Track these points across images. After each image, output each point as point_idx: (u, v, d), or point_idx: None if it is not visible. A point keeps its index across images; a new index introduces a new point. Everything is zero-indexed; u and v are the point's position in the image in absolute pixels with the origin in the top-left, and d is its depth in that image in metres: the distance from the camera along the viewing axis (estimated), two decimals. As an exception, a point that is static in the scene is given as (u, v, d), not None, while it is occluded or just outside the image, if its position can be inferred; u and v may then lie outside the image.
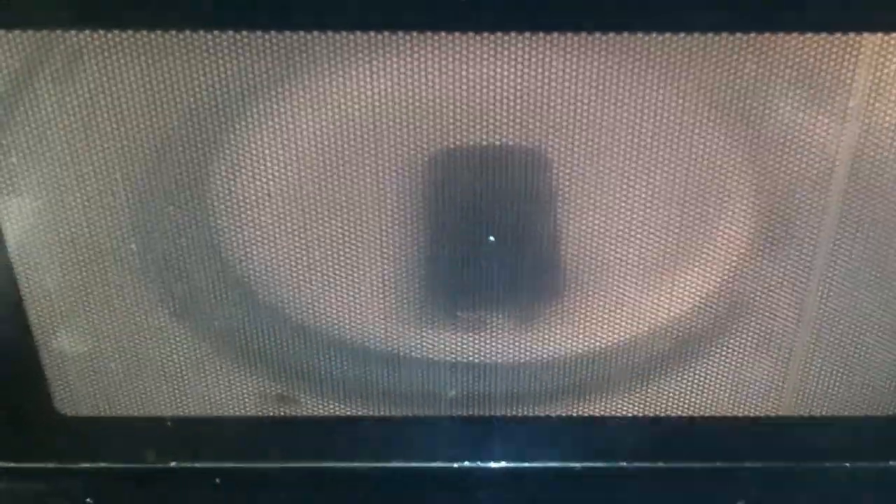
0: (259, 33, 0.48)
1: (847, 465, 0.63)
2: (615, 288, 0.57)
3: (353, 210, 0.54)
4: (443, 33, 0.48)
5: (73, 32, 0.48)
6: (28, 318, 0.57)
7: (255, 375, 0.61)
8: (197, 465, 0.64)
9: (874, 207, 0.53)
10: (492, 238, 0.55)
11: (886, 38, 0.47)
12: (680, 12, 0.46)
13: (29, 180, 0.53)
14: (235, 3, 0.47)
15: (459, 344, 0.59)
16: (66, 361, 0.59)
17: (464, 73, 0.49)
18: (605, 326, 0.59)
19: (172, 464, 0.63)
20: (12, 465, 0.63)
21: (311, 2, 0.46)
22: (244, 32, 0.48)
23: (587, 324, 0.59)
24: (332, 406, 0.62)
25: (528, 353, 0.60)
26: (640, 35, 0.48)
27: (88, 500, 0.64)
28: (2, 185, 0.53)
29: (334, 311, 0.58)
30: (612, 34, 0.47)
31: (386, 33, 0.47)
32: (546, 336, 0.59)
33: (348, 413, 0.62)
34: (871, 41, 0.48)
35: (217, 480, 0.64)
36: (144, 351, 0.60)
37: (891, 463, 0.63)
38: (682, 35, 0.47)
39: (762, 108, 0.50)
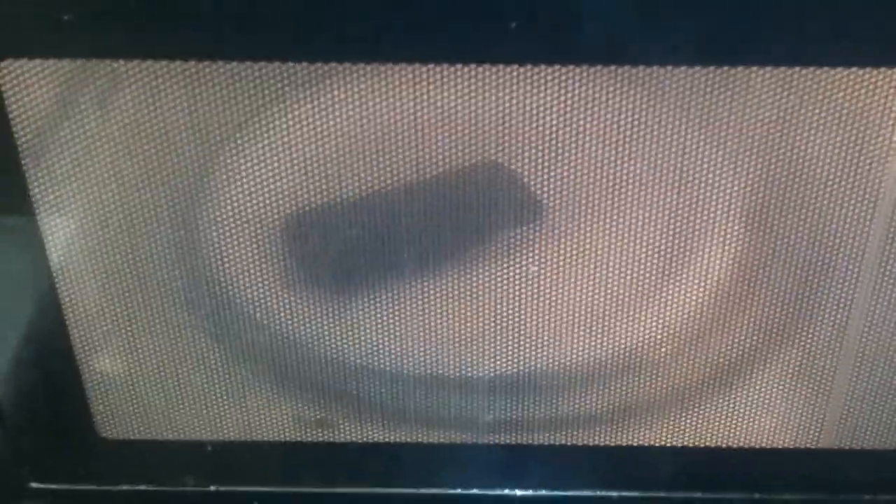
0: (291, 64, 0.48)
1: (888, 498, 0.63)
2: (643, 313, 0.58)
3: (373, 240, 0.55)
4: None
5: (111, 61, 0.49)
6: (71, 342, 0.57)
7: (294, 401, 0.62)
8: (236, 488, 0.64)
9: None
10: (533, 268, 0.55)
11: (933, 73, 0.47)
12: (721, 47, 0.46)
13: (73, 204, 0.53)
14: (258, 36, 0.47)
15: (496, 368, 0.60)
16: (107, 385, 0.60)
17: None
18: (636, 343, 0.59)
19: (211, 487, 0.64)
20: (54, 486, 0.64)
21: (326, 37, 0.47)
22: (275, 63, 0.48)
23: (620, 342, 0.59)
24: (369, 431, 0.62)
25: (562, 375, 0.60)
26: (682, 69, 0.48)
27: (127, 522, 0.65)
28: (47, 209, 0.53)
29: (368, 338, 0.59)
30: (650, 68, 0.48)
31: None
32: (581, 355, 0.59)
33: (386, 439, 0.62)
34: (918, 77, 0.48)
35: (255, 504, 0.64)
36: (184, 375, 0.60)
37: (932, 497, 0.63)
38: (724, 68, 0.47)
39: (806, 142, 0.50)
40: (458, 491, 0.64)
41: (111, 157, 0.52)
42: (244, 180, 0.53)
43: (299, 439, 0.62)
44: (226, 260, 0.56)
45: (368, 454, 0.63)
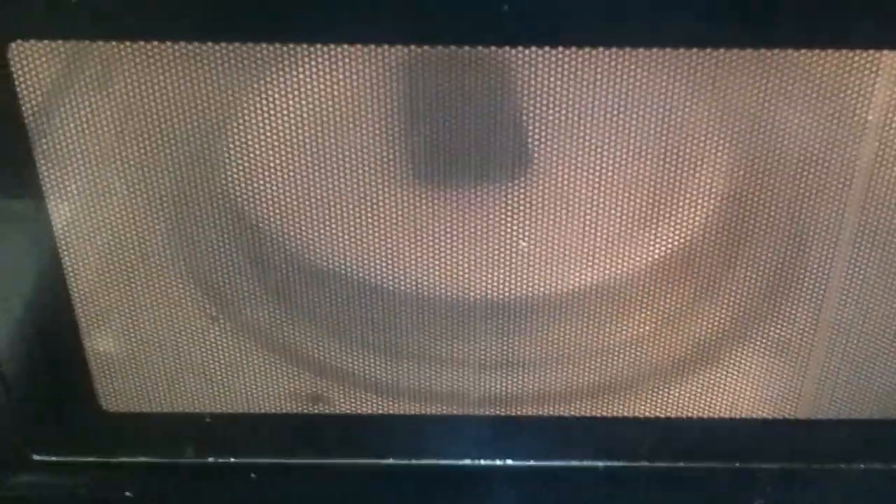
0: (289, 45, 0.50)
1: (862, 466, 0.64)
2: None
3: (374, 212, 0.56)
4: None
5: (117, 42, 0.50)
6: (76, 317, 0.59)
7: (290, 375, 0.63)
8: (233, 460, 0.65)
9: (891, 218, 0.55)
10: (523, 244, 0.56)
11: (904, 55, 0.49)
12: (703, 29, 0.48)
13: (78, 181, 0.55)
14: (246, 17, 0.49)
15: (487, 340, 0.61)
16: (110, 359, 0.61)
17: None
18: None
19: (210, 459, 0.65)
20: (54, 458, 0.65)
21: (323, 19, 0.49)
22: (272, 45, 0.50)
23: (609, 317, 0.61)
24: (363, 404, 0.64)
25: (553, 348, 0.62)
26: (666, 50, 0.49)
27: (127, 493, 0.66)
28: (54, 185, 0.54)
29: (365, 311, 0.60)
30: (635, 49, 0.49)
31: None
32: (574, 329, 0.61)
33: (379, 411, 0.64)
34: (891, 57, 0.49)
35: (252, 475, 0.66)
36: (184, 350, 0.61)
37: (905, 464, 0.64)
38: (706, 50, 0.49)
39: (783, 122, 0.52)
40: (450, 462, 0.65)
41: (113, 134, 0.53)
42: (242, 152, 0.55)
43: (295, 412, 0.64)
44: (223, 234, 0.57)
45: (362, 426, 0.64)
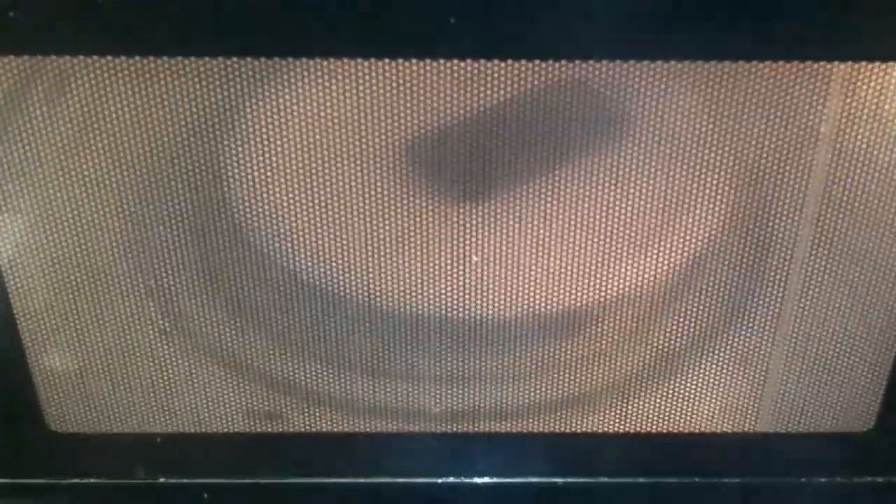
0: (259, 59, 0.49)
1: (822, 479, 0.65)
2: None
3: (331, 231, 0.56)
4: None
5: (62, 58, 0.49)
6: (21, 337, 0.58)
7: (243, 392, 0.62)
8: (185, 480, 0.65)
9: (846, 229, 0.55)
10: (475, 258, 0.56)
11: (855, 66, 0.49)
12: (668, 43, 0.48)
13: (22, 200, 0.54)
14: (218, 32, 0.48)
15: (445, 358, 0.61)
16: (57, 379, 0.60)
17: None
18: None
19: (161, 479, 0.64)
20: (3, 480, 0.64)
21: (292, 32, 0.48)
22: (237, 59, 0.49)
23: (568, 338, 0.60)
24: (318, 422, 0.63)
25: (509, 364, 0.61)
26: (631, 63, 0.49)
27: (77, 515, 0.65)
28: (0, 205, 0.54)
29: (319, 327, 0.60)
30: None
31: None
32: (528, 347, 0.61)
33: (334, 429, 0.63)
34: (842, 70, 0.49)
35: (205, 495, 0.65)
36: (134, 369, 0.61)
37: (864, 478, 0.64)
38: (669, 63, 0.49)
39: (740, 133, 0.52)
40: (408, 479, 0.65)
41: (58, 154, 0.53)
42: (192, 172, 0.54)
43: (249, 430, 0.63)
44: (176, 252, 0.57)
45: (317, 445, 0.64)
